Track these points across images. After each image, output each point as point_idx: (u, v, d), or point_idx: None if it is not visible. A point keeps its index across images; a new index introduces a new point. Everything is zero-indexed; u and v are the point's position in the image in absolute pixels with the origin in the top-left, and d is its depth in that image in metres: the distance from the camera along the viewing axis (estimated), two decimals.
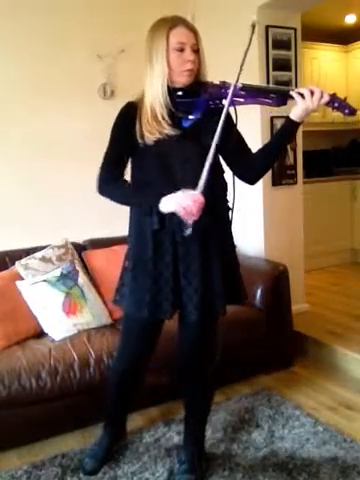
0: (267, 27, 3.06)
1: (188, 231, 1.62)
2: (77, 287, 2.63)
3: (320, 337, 3.01)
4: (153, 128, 1.67)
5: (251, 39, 1.59)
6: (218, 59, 3.45)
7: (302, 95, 1.61)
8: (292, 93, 1.63)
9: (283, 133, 1.75)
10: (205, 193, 1.58)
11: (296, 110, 1.65)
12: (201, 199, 1.56)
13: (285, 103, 1.67)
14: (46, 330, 2.53)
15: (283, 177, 3.25)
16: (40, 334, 2.53)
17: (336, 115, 5.33)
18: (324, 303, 3.65)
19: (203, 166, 1.60)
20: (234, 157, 1.81)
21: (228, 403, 2.51)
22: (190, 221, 1.59)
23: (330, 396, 2.57)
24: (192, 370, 1.92)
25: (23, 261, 2.71)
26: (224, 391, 2.62)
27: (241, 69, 1.59)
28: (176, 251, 1.72)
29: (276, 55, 3.12)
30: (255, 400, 2.53)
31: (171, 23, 1.67)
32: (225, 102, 1.62)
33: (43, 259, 2.73)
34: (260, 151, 1.80)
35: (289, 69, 3.19)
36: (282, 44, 3.14)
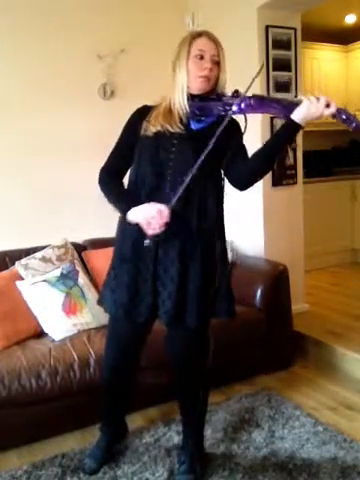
0: (267, 27, 3.06)
1: (147, 242, 1.68)
2: (77, 287, 2.63)
3: (320, 337, 3.01)
4: (158, 121, 1.75)
5: (256, 77, 1.66)
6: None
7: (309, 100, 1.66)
8: (301, 97, 1.67)
9: (280, 137, 1.74)
10: (177, 208, 1.66)
11: (298, 111, 1.66)
12: (166, 214, 1.64)
13: (291, 113, 1.68)
14: (46, 330, 2.53)
15: (283, 177, 3.25)
16: (40, 334, 2.53)
17: None
18: (324, 303, 3.65)
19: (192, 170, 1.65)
20: (231, 165, 1.82)
21: (228, 403, 2.51)
22: (149, 233, 1.66)
23: (330, 396, 2.57)
24: (180, 372, 1.93)
25: (23, 261, 2.71)
26: (224, 391, 2.62)
27: (253, 79, 1.65)
28: (157, 252, 1.75)
29: (276, 55, 3.12)
30: (255, 400, 2.53)
31: (196, 34, 1.78)
32: (236, 109, 1.70)
33: (43, 259, 2.73)
34: (255, 157, 1.78)
35: (289, 69, 3.19)
36: (282, 44, 3.14)
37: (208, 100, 1.76)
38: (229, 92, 1.77)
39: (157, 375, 2.34)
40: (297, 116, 1.67)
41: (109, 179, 1.85)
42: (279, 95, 3.14)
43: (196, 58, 1.74)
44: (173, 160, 1.75)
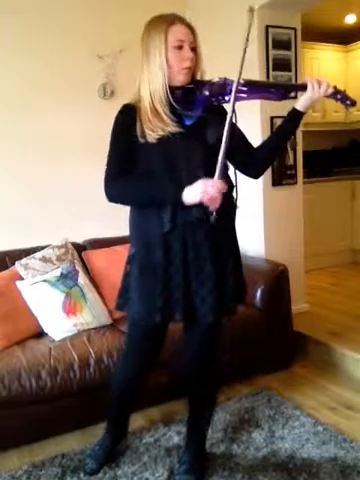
0: (267, 27, 3.06)
1: (213, 218, 1.62)
2: (77, 287, 2.63)
3: (320, 337, 3.01)
4: (155, 125, 1.64)
5: (250, 25, 1.59)
6: (218, 59, 3.45)
7: (306, 86, 1.66)
8: (307, 81, 1.66)
9: (287, 126, 1.76)
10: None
11: (303, 99, 1.68)
12: (222, 184, 1.58)
13: (286, 97, 1.70)
14: (46, 330, 2.53)
15: (283, 177, 3.25)
16: (40, 334, 2.53)
17: (336, 115, 5.37)
18: (324, 303, 3.65)
19: (207, 163, 1.61)
20: (237, 153, 1.77)
21: (228, 403, 2.51)
22: (213, 208, 1.60)
23: (330, 396, 2.57)
24: (199, 375, 1.90)
25: (23, 261, 2.71)
26: (224, 391, 2.62)
27: (243, 62, 1.60)
28: (186, 254, 1.69)
29: (276, 55, 3.12)
30: (255, 400, 2.53)
31: (169, 21, 1.66)
32: (228, 98, 1.62)
33: (43, 259, 2.73)
34: (265, 143, 1.81)
35: (289, 69, 3.18)
36: (282, 44, 3.14)
37: (193, 92, 1.67)
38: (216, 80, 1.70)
39: (158, 375, 2.33)
40: (302, 105, 1.69)
41: (123, 182, 1.71)
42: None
43: (175, 49, 1.63)
44: (185, 162, 1.67)
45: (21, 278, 2.64)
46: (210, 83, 1.68)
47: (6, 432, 2.16)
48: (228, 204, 1.72)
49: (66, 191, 3.12)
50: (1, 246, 2.85)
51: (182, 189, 1.61)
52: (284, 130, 1.78)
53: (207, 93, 1.67)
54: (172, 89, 1.67)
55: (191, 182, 1.61)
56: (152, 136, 1.65)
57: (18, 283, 2.58)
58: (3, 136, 2.95)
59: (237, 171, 1.78)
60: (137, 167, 1.72)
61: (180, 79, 1.67)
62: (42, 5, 2.99)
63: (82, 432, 2.30)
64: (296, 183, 3.33)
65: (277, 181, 3.22)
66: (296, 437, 2.21)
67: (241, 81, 1.64)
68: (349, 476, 1.94)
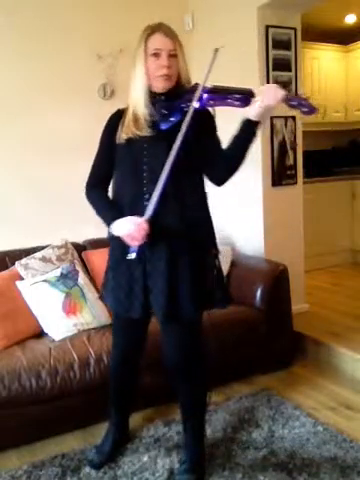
0: (267, 27, 3.06)
1: (132, 255, 1.72)
2: (77, 287, 2.63)
3: (320, 337, 3.01)
4: (129, 128, 1.75)
5: (212, 64, 1.66)
6: (217, 59, 3.46)
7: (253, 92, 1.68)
8: (255, 90, 1.68)
9: (243, 136, 1.74)
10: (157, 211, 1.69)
11: (252, 108, 1.68)
12: (144, 226, 1.67)
13: (249, 103, 1.70)
14: (46, 330, 2.53)
15: (283, 177, 3.25)
16: (40, 334, 2.53)
17: (336, 115, 5.38)
18: (324, 303, 3.65)
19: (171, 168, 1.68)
20: (208, 160, 1.82)
21: (228, 403, 2.51)
22: (133, 245, 1.71)
23: (330, 396, 2.58)
24: (177, 371, 1.92)
25: (23, 261, 2.71)
26: (224, 391, 2.63)
27: (209, 71, 1.64)
28: (145, 253, 1.78)
29: (276, 55, 3.12)
30: (255, 400, 2.53)
31: (150, 30, 1.74)
32: (198, 104, 1.68)
33: (43, 259, 2.73)
34: (226, 155, 1.80)
35: (289, 69, 3.19)
36: (282, 44, 3.14)
37: (173, 97, 1.73)
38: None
39: (157, 376, 2.34)
40: (252, 114, 1.68)
41: (94, 193, 1.90)
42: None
43: (153, 57, 1.72)
44: (147, 164, 1.75)
45: (21, 278, 2.64)
46: (186, 89, 1.74)
47: (6, 432, 2.16)
48: (193, 208, 1.78)
49: (66, 191, 3.11)
50: (1, 246, 2.85)
51: (113, 220, 1.76)
52: (241, 140, 1.75)
53: (183, 100, 1.72)
54: (155, 95, 1.75)
55: (154, 184, 1.69)
56: (122, 137, 1.77)
57: (18, 283, 2.58)
58: (3, 136, 2.95)
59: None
60: (115, 169, 1.86)
61: (159, 86, 1.75)
62: (42, 5, 2.99)
63: (82, 432, 2.31)
64: (296, 183, 3.33)
65: (277, 181, 3.22)
66: (296, 437, 2.21)
67: (208, 86, 1.69)
68: (349, 476, 1.94)
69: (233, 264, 3.05)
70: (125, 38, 3.15)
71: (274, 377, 2.78)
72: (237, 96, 1.71)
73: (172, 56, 1.72)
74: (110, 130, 1.85)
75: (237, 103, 1.72)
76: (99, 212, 1.88)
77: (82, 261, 2.87)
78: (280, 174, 3.23)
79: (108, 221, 1.81)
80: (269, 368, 2.82)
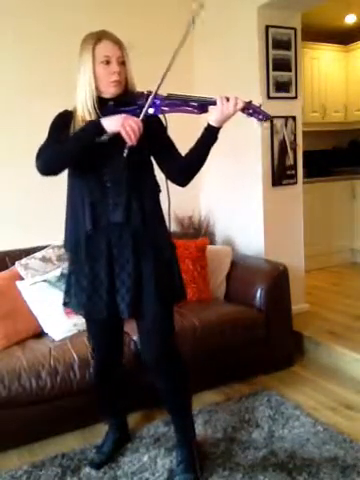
0: (267, 27, 3.06)
1: (126, 152, 1.69)
2: None
3: (320, 337, 3.02)
4: None
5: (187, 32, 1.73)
6: (217, 59, 3.46)
7: (216, 102, 1.72)
8: (217, 97, 1.73)
9: (204, 140, 1.80)
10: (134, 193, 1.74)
11: (213, 115, 1.74)
12: (140, 123, 1.65)
13: (206, 111, 1.77)
14: (46, 330, 2.53)
15: (283, 177, 3.25)
16: (40, 334, 2.53)
17: (336, 115, 5.38)
18: (324, 303, 3.65)
19: (126, 167, 1.72)
20: (165, 162, 1.88)
21: (228, 403, 2.51)
22: (130, 142, 1.66)
23: (330, 396, 2.57)
24: (152, 370, 1.94)
25: (23, 261, 2.71)
26: (224, 391, 2.63)
27: (163, 78, 1.67)
28: (111, 253, 1.79)
29: (276, 55, 3.12)
30: (255, 400, 2.53)
31: (96, 37, 1.78)
32: (152, 110, 1.73)
33: (43, 259, 2.73)
34: (187, 155, 1.85)
35: (289, 69, 3.19)
36: (282, 44, 3.14)
37: (122, 103, 1.76)
38: (146, 92, 1.77)
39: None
40: (214, 120, 1.74)
41: (53, 145, 1.80)
42: (279, 94, 3.15)
43: (103, 64, 1.75)
44: (108, 166, 1.77)
45: (21, 278, 2.64)
46: (139, 95, 1.77)
47: (6, 432, 2.16)
48: (151, 208, 1.82)
49: (66, 191, 3.11)
50: (1, 246, 2.85)
51: (99, 119, 1.69)
52: (202, 144, 1.81)
53: (136, 105, 1.75)
54: (105, 101, 1.78)
55: (114, 192, 1.74)
56: None
57: (18, 283, 2.58)
58: (3, 136, 2.95)
59: (168, 180, 1.89)
60: (73, 170, 1.85)
61: (111, 91, 1.78)
62: (42, 5, 2.99)
63: (82, 432, 2.31)
64: (296, 183, 3.33)
65: (277, 181, 3.22)
66: (296, 437, 2.21)
67: (163, 94, 1.73)
68: (349, 476, 1.94)
69: (233, 264, 3.05)
70: (125, 38, 3.15)
71: (274, 377, 2.78)
72: (193, 103, 1.76)
73: (120, 63, 1.77)
74: (62, 125, 1.84)
75: (192, 110, 1.77)
76: (72, 139, 1.76)
77: None
78: (280, 174, 3.23)
79: (92, 125, 1.70)
80: (269, 368, 2.82)
